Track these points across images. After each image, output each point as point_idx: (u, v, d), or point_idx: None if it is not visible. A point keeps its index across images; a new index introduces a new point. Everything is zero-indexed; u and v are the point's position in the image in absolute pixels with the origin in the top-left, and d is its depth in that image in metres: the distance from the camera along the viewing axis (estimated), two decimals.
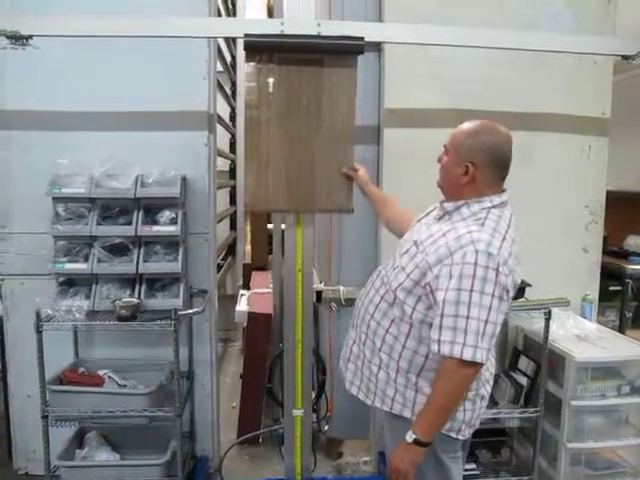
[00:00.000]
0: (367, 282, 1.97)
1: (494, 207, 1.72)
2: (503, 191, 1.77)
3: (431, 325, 1.67)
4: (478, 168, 1.72)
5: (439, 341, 1.61)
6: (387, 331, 1.78)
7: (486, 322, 1.58)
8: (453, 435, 1.76)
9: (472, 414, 1.77)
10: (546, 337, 2.56)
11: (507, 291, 1.63)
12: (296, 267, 2.35)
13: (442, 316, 1.61)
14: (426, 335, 1.70)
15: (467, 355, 1.57)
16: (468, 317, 1.57)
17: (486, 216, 1.69)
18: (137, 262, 2.54)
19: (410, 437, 1.65)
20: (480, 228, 1.65)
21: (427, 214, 1.92)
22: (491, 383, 1.87)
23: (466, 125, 1.77)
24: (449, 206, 1.77)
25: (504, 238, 1.65)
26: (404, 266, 1.74)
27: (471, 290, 1.57)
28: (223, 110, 4.49)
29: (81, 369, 2.65)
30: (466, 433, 1.79)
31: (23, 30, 2.20)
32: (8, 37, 2.21)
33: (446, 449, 1.76)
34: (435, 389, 1.66)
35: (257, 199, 2.32)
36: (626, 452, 2.66)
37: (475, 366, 1.60)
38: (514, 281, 1.67)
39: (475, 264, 1.58)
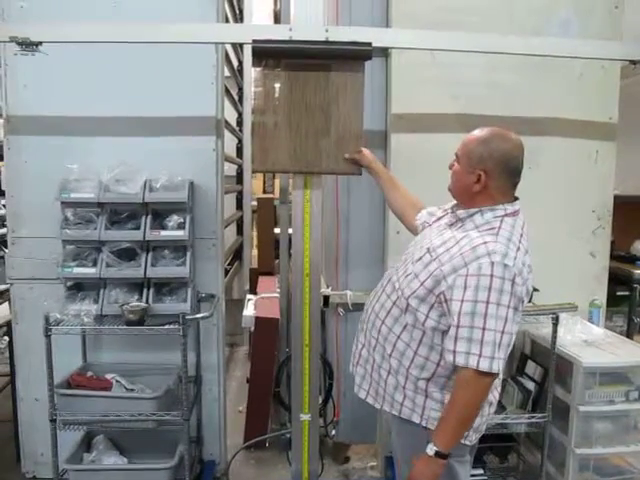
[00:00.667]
0: (377, 286, 1.96)
1: (507, 215, 1.71)
2: (516, 199, 1.77)
3: (444, 332, 1.68)
4: (490, 176, 1.71)
5: (454, 352, 1.62)
6: (399, 337, 1.78)
7: (502, 333, 1.59)
8: (461, 441, 1.75)
9: (480, 420, 1.77)
10: (554, 342, 2.55)
11: (522, 301, 1.64)
12: (304, 271, 2.36)
13: (457, 327, 1.61)
14: (438, 342, 1.71)
15: (484, 366, 1.58)
16: (484, 328, 1.58)
17: (500, 225, 1.69)
18: (145, 267, 2.56)
19: (431, 450, 1.64)
20: (495, 238, 1.65)
21: (438, 219, 1.93)
22: (499, 389, 1.87)
23: (477, 132, 1.77)
24: (462, 213, 1.77)
25: (518, 248, 1.65)
26: (417, 274, 1.74)
27: (487, 302, 1.58)
28: (230, 115, 4.51)
29: (89, 373, 2.66)
30: (473, 439, 1.79)
31: (33, 36, 2.23)
32: (19, 43, 2.23)
33: (454, 453, 1.75)
34: (454, 401, 1.65)
35: (263, 160, 2.31)
36: (635, 458, 2.64)
37: (491, 376, 1.61)
38: (527, 290, 1.67)
39: (491, 276, 1.58)
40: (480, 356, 1.58)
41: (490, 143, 1.72)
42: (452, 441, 1.65)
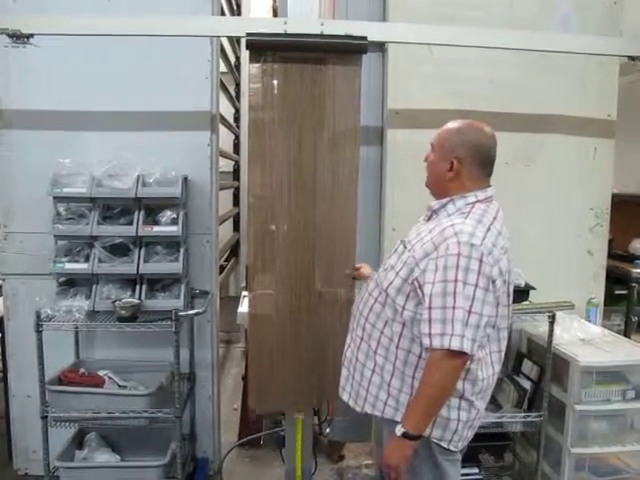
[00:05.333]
0: (362, 287, 1.98)
1: (479, 202, 1.73)
2: (488, 186, 1.78)
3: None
4: (462, 163, 1.74)
5: (430, 335, 1.60)
6: (382, 333, 1.77)
7: (470, 312, 1.58)
8: (444, 445, 1.72)
9: (465, 425, 1.73)
10: (550, 341, 2.53)
11: (493, 281, 1.62)
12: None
13: (430, 309, 1.60)
14: (418, 334, 1.69)
15: (455, 344, 1.56)
16: (454, 307, 1.57)
17: (470, 210, 1.71)
18: (138, 262, 2.54)
19: (399, 431, 1.64)
20: (463, 220, 1.67)
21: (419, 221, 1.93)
22: (488, 394, 1.81)
23: (451, 123, 1.81)
24: (435, 204, 1.79)
25: (488, 229, 1.65)
26: (393, 265, 1.77)
27: (455, 280, 1.58)
28: (227, 111, 4.48)
29: (81, 369, 2.64)
30: (459, 445, 1.76)
31: (24, 29, 2.20)
32: (9, 36, 2.21)
33: (443, 452, 1.74)
34: (422, 381, 1.64)
35: (262, 401, 2.38)
36: (631, 458, 2.63)
37: (462, 357, 1.58)
38: (501, 271, 1.65)
39: (458, 255, 1.59)
40: (452, 335, 1.56)
41: (463, 133, 1.76)
42: (420, 423, 1.63)
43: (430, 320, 1.60)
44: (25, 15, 2.28)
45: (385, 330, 1.76)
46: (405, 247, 1.77)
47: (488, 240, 1.62)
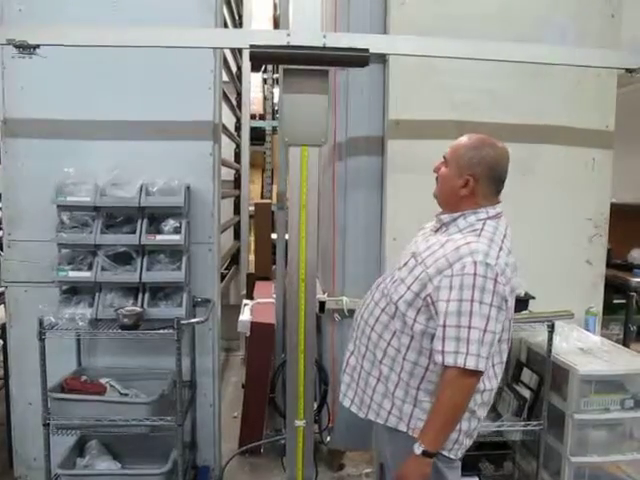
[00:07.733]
0: (366, 295, 1.98)
1: (489, 218, 1.76)
2: (498, 203, 1.81)
3: (432, 336, 1.68)
4: (478, 182, 1.76)
5: (443, 352, 1.62)
6: (389, 344, 1.79)
7: (485, 331, 1.61)
8: (445, 453, 1.74)
9: (465, 434, 1.75)
10: (549, 350, 2.54)
11: (505, 300, 1.65)
12: (299, 277, 2.35)
13: (444, 327, 1.62)
14: (426, 346, 1.71)
15: (470, 364, 1.59)
16: (470, 327, 1.60)
17: (482, 227, 1.73)
18: (140, 271, 2.55)
19: (418, 449, 1.65)
20: (477, 239, 1.69)
21: (424, 227, 1.95)
22: (490, 403, 1.84)
23: (467, 138, 1.81)
24: (445, 218, 1.81)
25: (500, 248, 1.68)
26: (403, 278, 1.77)
27: (471, 300, 1.60)
28: (228, 120, 4.50)
29: (83, 377, 2.64)
30: (458, 453, 1.78)
31: (31, 39, 2.22)
32: (16, 46, 2.22)
33: (443, 459, 1.76)
34: (439, 399, 1.66)
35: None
36: (630, 467, 2.64)
37: (476, 375, 1.62)
38: (512, 290, 1.69)
39: (474, 274, 1.61)
40: (467, 354, 1.59)
41: (480, 150, 1.77)
42: (438, 440, 1.66)
43: (444, 338, 1.62)
44: (32, 26, 2.31)
45: (392, 341, 1.78)
46: (416, 260, 1.77)
47: (501, 259, 1.65)
